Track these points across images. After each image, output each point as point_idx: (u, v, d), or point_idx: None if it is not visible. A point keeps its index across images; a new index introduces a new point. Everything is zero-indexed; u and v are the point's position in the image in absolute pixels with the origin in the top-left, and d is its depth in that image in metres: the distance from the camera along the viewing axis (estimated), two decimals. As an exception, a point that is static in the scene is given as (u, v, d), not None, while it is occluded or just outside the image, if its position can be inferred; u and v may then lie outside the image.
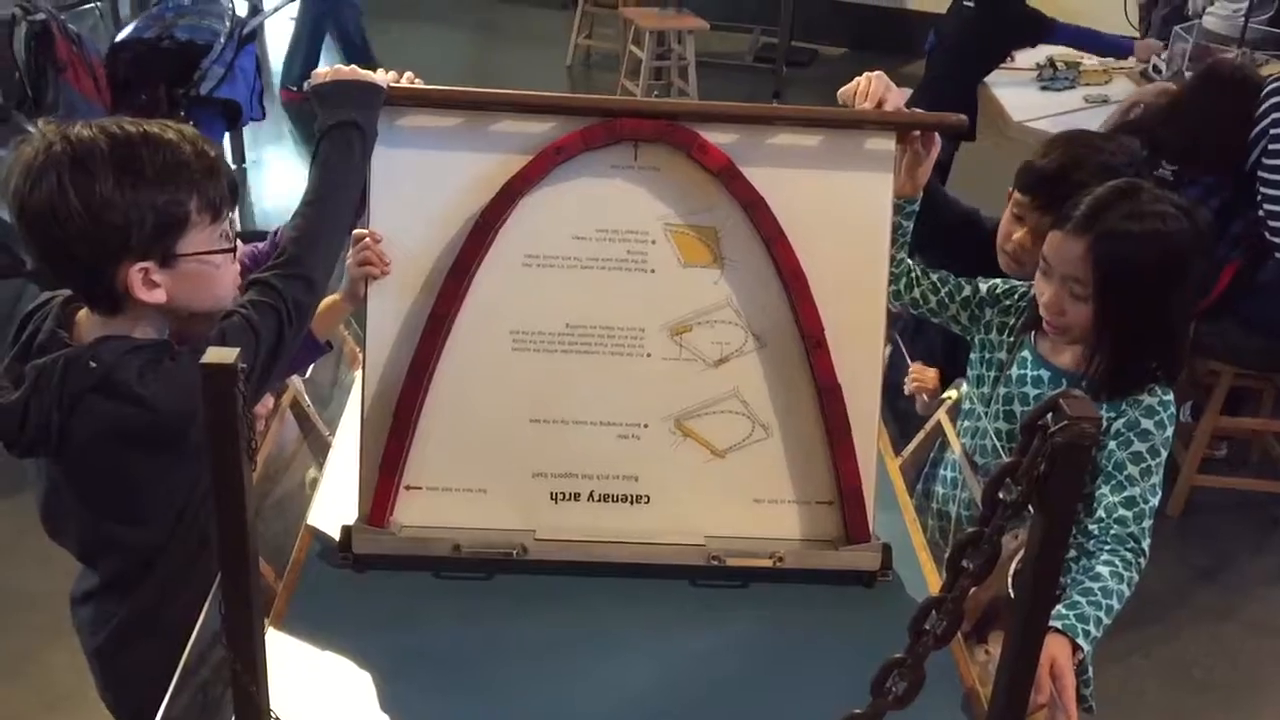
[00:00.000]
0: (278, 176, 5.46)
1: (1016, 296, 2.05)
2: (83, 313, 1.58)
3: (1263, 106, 3.29)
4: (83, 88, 3.85)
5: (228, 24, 3.97)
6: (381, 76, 1.62)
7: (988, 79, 4.50)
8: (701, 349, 1.70)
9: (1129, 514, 1.75)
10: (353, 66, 1.62)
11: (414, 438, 1.67)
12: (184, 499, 1.62)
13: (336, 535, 1.69)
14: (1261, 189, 3.26)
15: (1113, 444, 1.82)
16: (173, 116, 3.80)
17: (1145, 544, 1.75)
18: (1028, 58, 4.66)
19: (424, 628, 1.61)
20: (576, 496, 1.72)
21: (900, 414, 2.25)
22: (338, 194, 1.59)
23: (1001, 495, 1.10)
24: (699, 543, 1.71)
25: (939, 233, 2.14)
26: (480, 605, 1.65)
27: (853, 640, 1.59)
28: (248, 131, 5.32)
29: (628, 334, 1.69)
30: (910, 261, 2.10)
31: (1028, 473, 1.07)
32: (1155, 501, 1.79)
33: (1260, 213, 3.27)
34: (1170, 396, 1.86)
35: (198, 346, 1.49)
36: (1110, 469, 1.81)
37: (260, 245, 1.88)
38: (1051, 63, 4.50)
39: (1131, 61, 4.59)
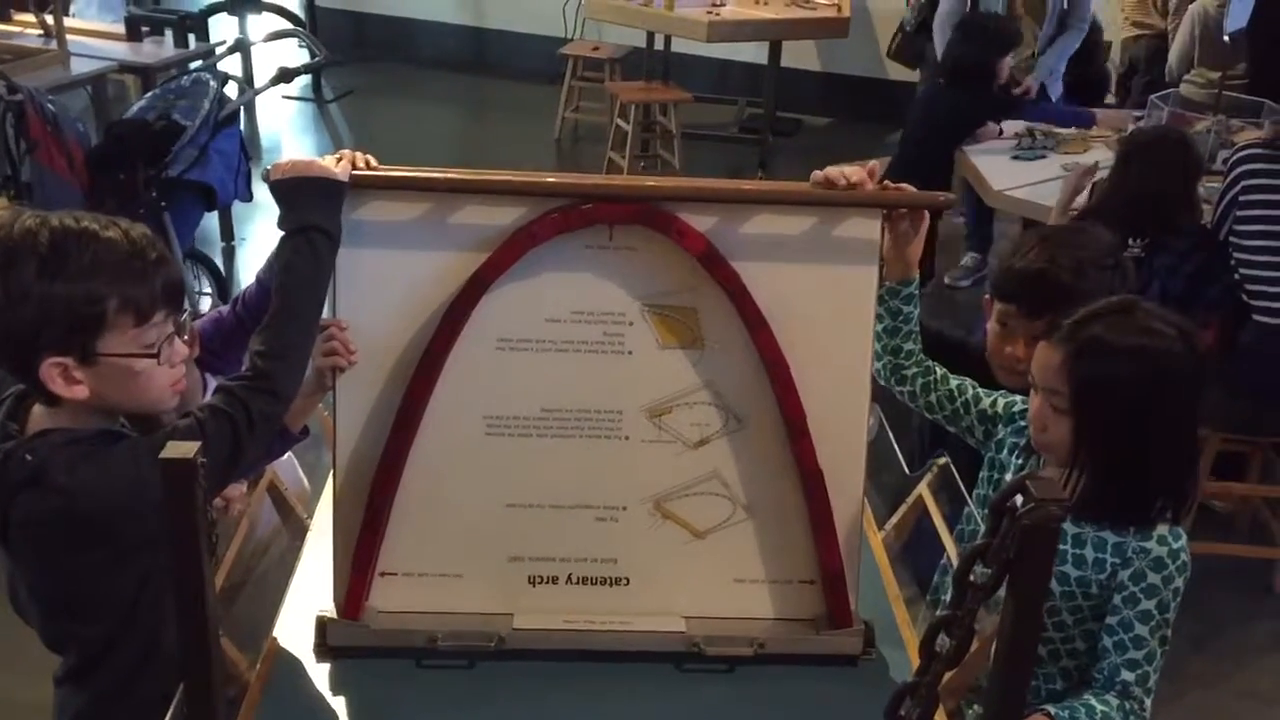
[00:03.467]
0: (268, 254, 5.47)
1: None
2: (37, 406, 1.56)
3: (1230, 175, 3.32)
4: (55, 167, 3.82)
5: (207, 106, 3.94)
6: (343, 168, 1.58)
7: (965, 146, 4.54)
8: (681, 430, 1.69)
9: (1131, 677, 1.68)
10: (310, 158, 1.59)
11: (388, 524, 1.65)
12: (130, 597, 1.58)
13: (312, 622, 1.67)
14: (1235, 254, 3.28)
15: (1118, 598, 1.72)
16: (145, 198, 3.79)
17: (1148, 703, 1.69)
18: (1010, 127, 4.70)
19: (403, 719, 1.59)
20: (555, 580, 1.71)
21: (884, 488, 2.24)
22: (304, 305, 1.56)
23: (972, 578, 1.10)
24: (679, 628, 1.69)
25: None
26: (461, 694, 1.62)
27: (836, 722, 1.57)
28: (238, 209, 5.33)
29: (605, 416, 1.67)
30: (933, 363, 2.01)
31: (997, 555, 1.07)
32: (1162, 656, 1.71)
33: (1236, 276, 3.28)
34: (1181, 543, 1.74)
35: (135, 443, 1.48)
36: (1115, 624, 1.71)
37: (224, 309, 1.87)
38: (1030, 132, 4.53)
39: (1100, 132, 4.64)
